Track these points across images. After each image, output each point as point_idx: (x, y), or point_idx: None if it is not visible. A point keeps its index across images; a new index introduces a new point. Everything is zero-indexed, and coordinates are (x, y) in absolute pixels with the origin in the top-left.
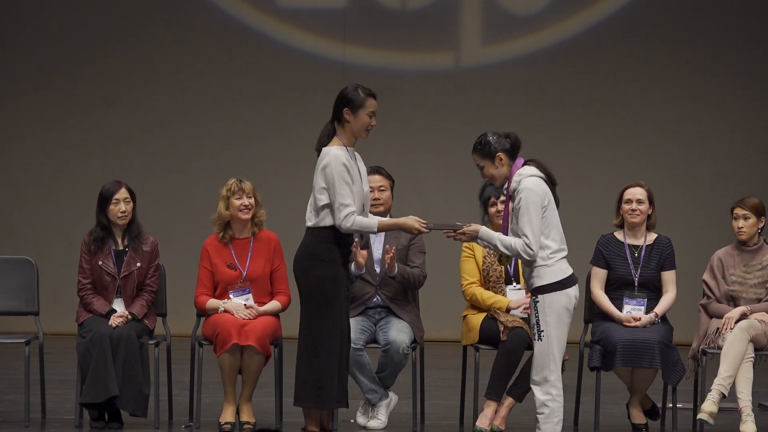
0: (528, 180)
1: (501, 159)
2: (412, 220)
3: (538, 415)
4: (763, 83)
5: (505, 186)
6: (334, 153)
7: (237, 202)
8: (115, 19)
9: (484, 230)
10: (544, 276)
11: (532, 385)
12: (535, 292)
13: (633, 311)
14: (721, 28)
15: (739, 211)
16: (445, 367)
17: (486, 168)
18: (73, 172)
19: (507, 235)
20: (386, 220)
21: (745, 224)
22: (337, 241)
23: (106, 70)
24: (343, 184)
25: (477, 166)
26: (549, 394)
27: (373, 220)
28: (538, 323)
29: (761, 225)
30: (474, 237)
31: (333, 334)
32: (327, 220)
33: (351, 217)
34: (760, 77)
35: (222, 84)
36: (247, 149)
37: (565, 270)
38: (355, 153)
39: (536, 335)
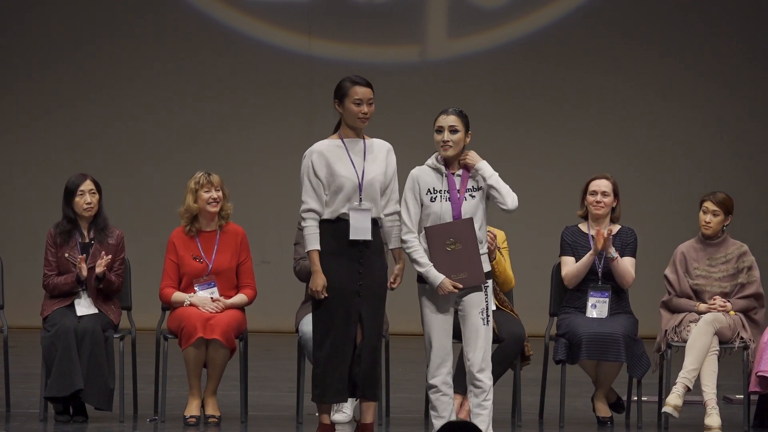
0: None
1: (469, 135)
2: (319, 284)
3: (485, 402)
4: (733, 74)
5: (456, 162)
6: (311, 149)
7: (205, 195)
8: (80, 17)
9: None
10: (486, 263)
11: (477, 374)
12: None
13: (598, 304)
14: (690, 18)
15: (708, 206)
16: (411, 361)
17: (460, 134)
18: (38, 165)
19: (461, 210)
20: (316, 259)
21: (713, 220)
22: (334, 234)
23: (72, 66)
24: (306, 181)
25: (452, 127)
26: (491, 378)
27: (312, 245)
28: (487, 307)
29: (727, 222)
30: (475, 158)
31: (329, 328)
32: (325, 214)
33: (308, 218)
34: (731, 68)
35: (187, 78)
36: (213, 142)
37: None
38: (363, 141)
39: (485, 319)
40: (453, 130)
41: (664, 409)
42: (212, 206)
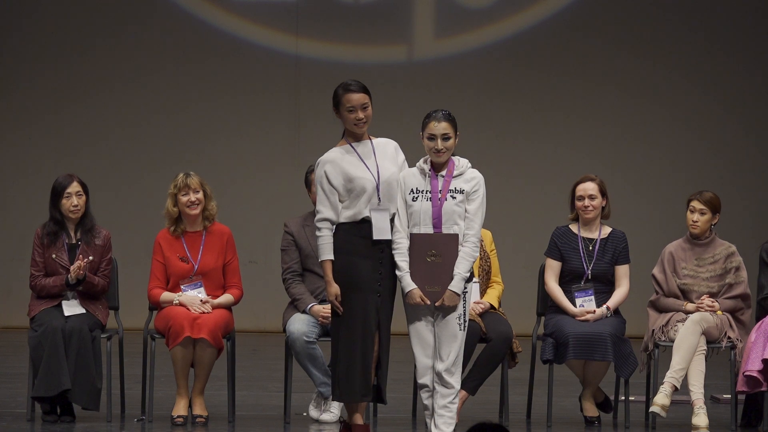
0: (477, 172)
1: (457, 137)
2: (332, 294)
3: (451, 405)
4: (714, 76)
5: (444, 165)
6: (323, 158)
7: (183, 199)
8: (67, 22)
9: (453, 287)
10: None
11: (446, 376)
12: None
13: (585, 304)
14: (671, 22)
15: (696, 205)
16: (398, 360)
17: (451, 140)
18: (24, 164)
19: (441, 211)
20: (329, 269)
21: (701, 219)
22: (356, 234)
23: (59, 69)
24: (320, 191)
25: (445, 135)
26: (459, 382)
27: (325, 255)
28: (465, 313)
29: (715, 221)
30: (454, 300)
31: (351, 326)
32: (343, 216)
33: (323, 227)
34: (711, 71)
35: (174, 78)
36: (200, 142)
37: None
38: (369, 141)
39: (462, 325)
40: (445, 138)
41: (651, 409)
42: (191, 209)
